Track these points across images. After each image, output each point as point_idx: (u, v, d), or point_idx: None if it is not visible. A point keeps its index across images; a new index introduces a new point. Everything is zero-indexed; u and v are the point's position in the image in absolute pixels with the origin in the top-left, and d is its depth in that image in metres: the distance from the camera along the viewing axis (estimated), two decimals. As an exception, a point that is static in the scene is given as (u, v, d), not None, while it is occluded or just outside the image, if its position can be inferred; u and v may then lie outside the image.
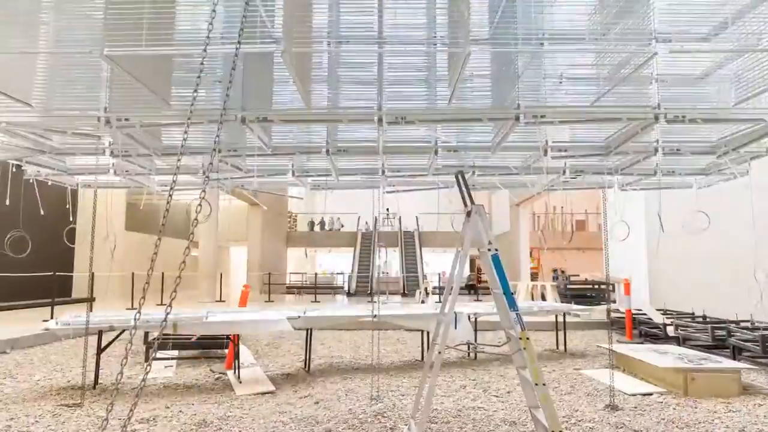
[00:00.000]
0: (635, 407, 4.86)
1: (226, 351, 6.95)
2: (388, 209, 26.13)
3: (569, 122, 3.65)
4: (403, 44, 3.67)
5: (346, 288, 22.20)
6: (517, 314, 3.23)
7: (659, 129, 3.79)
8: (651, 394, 5.32)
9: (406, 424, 4.21)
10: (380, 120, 3.54)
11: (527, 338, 3.16)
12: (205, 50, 2.87)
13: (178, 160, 2.95)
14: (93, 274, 12.39)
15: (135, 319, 2.88)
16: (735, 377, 5.34)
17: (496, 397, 5.22)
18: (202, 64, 2.89)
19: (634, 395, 5.30)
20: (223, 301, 16.92)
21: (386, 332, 10.10)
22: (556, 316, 8.57)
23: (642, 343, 8.81)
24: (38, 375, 6.18)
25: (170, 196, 2.94)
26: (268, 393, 5.31)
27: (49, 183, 5.61)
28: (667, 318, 9.22)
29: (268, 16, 3.29)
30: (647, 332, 9.47)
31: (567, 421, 4.37)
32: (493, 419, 4.42)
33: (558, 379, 6.04)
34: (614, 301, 13.08)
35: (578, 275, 15.60)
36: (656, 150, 3.91)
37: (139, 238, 19.58)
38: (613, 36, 3.14)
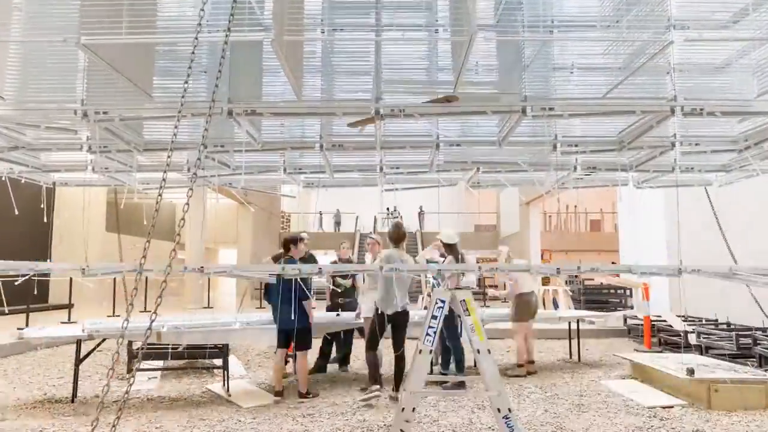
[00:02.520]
0: (654, 421, 4.88)
1: (214, 361, 6.97)
2: (388, 208, 26.13)
3: (580, 115, 3.67)
4: (403, 31, 3.69)
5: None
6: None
7: (676, 122, 3.80)
8: (671, 407, 5.33)
9: None
10: (378, 113, 3.56)
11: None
12: (196, 38, 2.89)
13: (168, 156, 2.98)
14: (72, 278, 12.43)
15: (123, 327, 2.90)
16: (762, 388, 5.35)
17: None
18: (192, 53, 2.91)
19: (653, 408, 5.31)
20: (212, 308, 16.94)
21: (386, 340, 10.11)
22: (569, 324, 8.58)
23: (661, 351, 8.82)
24: (11, 387, 6.20)
25: (160, 195, 2.96)
26: (260, 406, 5.33)
27: (23, 181, 5.62)
28: (688, 325, 9.23)
29: (257, 2, 3.31)
30: (667, 340, 9.48)
31: (579, 436, 4.39)
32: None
33: (571, 392, 6.06)
34: (631, 307, 13.09)
35: (593, 279, 15.60)
36: (673, 144, 3.92)
37: (122, 239, 19.58)
38: (627, 23, 3.16)
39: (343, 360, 7.24)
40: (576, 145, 4.25)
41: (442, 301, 3.44)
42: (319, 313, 6.63)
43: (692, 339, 8.59)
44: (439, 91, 3.87)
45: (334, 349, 7.25)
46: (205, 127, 3.02)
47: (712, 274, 4.04)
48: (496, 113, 3.57)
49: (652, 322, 9.72)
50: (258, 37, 3.18)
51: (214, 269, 4.00)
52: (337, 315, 6.98)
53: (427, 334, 3.42)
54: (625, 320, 11.35)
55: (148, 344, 5.85)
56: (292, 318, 5.40)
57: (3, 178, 5.36)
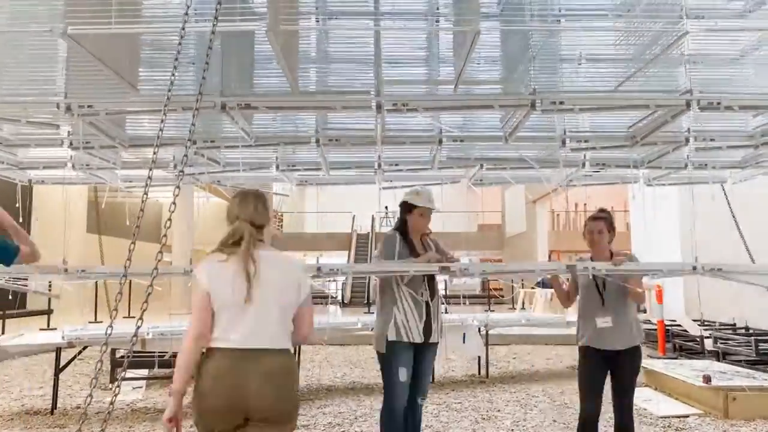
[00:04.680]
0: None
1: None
2: (387, 207, 26.17)
3: (590, 109, 3.69)
4: (403, 20, 3.71)
5: (339, 297, 22.22)
6: None
7: (691, 117, 3.83)
8: (687, 416, 5.37)
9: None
10: (377, 107, 3.58)
11: None
12: (183, 29, 2.91)
13: (154, 153, 2.99)
14: (50, 282, 12.40)
15: (106, 334, 2.91)
16: (781, 397, 5.38)
17: (511, 422, 5.27)
18: (179, 44, 2.93)
19: (667, 417, 5.35)
20: (199, 313, 16.90)
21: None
22: (579, 329, 8.61)
23: (676, 358, 8.87)
24: (-12, 398, 6.21)
25: (146, 193, 2.98)
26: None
27: (-3, 179, 5.62)
28: (704, 330, 9.27)
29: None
30: (682, 346, 9.52)
31: (589, 447, 4.41)
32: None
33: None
34: (644, 311, 13.13)
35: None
36: (687, 140, 3.95)
37: (104, 241, 19.57)
38: (639, 12, 3.18)
39: None
40: (585, 141, 4.28)
41: None
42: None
43: (708, 344, 8.63)
44: (441, 84, 3.89)
45: None
46: (193, 122, 3.03)
47: (730, 273, 4.07)
48: (503, 107, 3.59)
49: (666, 327, 9.76)
50: (250, 27, 3.19)
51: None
52: None
53: None
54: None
55: (133, 352, 5.85)
56: None
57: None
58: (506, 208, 25.74)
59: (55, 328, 9.77)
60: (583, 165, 4.68)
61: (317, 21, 3.56)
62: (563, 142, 4.19)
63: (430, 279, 3.56)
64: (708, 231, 6.97)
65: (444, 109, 3.78)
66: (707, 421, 5.20)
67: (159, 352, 6.12)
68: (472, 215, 29.87)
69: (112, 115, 3.89)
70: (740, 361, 7.68)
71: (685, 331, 9.68)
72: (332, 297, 22.72)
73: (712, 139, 4.03)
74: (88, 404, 2.73)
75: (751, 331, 8.91)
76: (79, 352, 6.18)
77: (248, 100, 3.48)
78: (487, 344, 7.44)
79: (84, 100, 3.48)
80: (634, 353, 3.49)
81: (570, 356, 9.10)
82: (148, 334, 5.72)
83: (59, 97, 3.51)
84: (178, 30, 2.91)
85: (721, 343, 8.33)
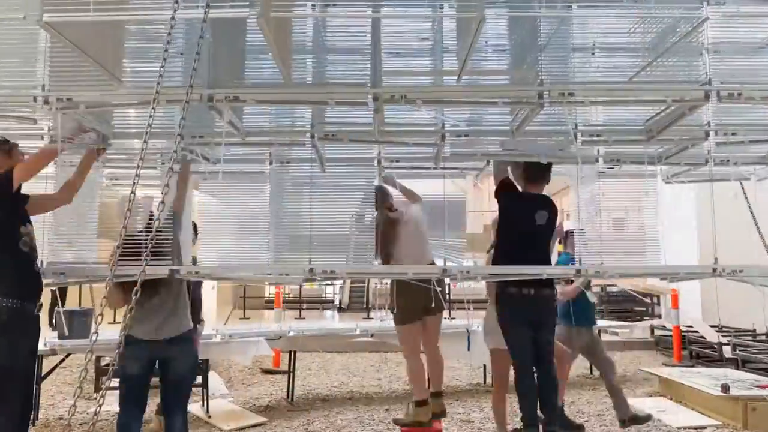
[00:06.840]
0: (684, 443, 4.89)
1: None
2: (387, 206, 26.09)
3: (603, 102, 3.65)
4: (403, 7, 3.68)
5: (336, 302, 22.19)
6: None
7: (711, 109, 3.79)
8: (704, 428, 5.35)
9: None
10: (375, 99, 3.54)
11: None
12: (173, 18, 2.88)
13: (143, 149, 2.97)
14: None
15: (91, 340, 2.89)
16: (805, 407, 5.36)
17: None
18: (169, 35, 2.91)
19: (683, 428, 5.32)
20: (189, 318, 16.88)
21: (386, 354, 10.12)
22: (590, 335, 8.58)
23: (693, 366, 8.85)
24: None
25: (133, 192, 2.97)
26: (243, 428, 5.32)
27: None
28: (722, 336, 9.25)
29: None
30: (699, 353, 9.51)
31: (602, 461, 4.39)
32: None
33: (592, 411, 6.07)
34: (659, 316, 13.12)
35: (615, 285, 15.62)
36: (707, 134, 3.91)
37: (87, 242, 19.51)
38: (656, -3, 3.15)
39: None
40: (598, 135, 4.24)
41: None
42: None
43: (727, 351, 8.61)
44: (444, 75, 3.85)
45: None
46: (183, 116, 3.01)
47: (752, 276, 4.03)
48: (509, 104, 3.56)
49: (683, 333, 9.74)
50: (242, 14, 3.15)
51: (188, 269, 3.97)
52: None
53: None
54: (653, 331, 11.38)
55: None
56: None
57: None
58: (513, 207, 25.66)
59: (37, 334, 9.72)
60: (597, 161, 4.64)
61: (313, 8, 3.53)
62: (575, 137, 4.15)
63: None
64: (728, 232, 6.94)
65: (445, 101, 3.74)
66: (726, 433, 5.19)
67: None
68: (478, 215, 29.83)
69: (95, 109, 3.85)
70: (761, 369, 7.66)
71: (702, 337, 9.66)
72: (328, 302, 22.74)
73: (733, 133, 3.98)
74: (72, 415, 2.70)
75: (772, 337, 8.90)
76: (62, 360, 6.16)
77: (237, 92, 3.44)
78: (493, 351, 7.39)
79: (63, 92, 3.45)
80: None
81: (582, 365, 9.07)
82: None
83: (37, 89, 3.49)
84: (160, 17, 2.88)
85: (740, 350, 8.31)
